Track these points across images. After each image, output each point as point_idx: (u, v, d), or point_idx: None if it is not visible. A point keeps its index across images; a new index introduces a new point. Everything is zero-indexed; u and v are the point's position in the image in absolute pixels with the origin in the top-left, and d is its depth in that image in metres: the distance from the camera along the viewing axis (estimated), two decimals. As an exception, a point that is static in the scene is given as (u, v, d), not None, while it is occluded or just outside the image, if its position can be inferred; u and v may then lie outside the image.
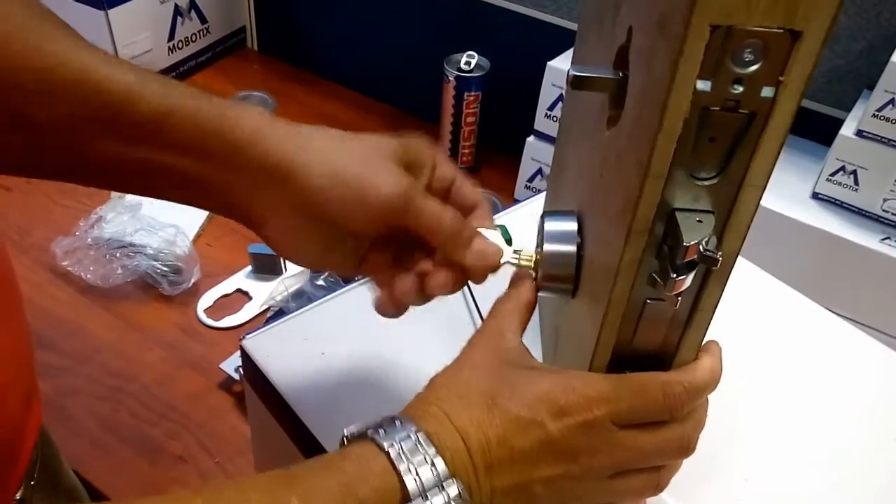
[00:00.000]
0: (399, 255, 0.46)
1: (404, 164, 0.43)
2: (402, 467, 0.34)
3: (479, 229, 0.46)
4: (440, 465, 0.35)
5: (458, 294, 0.59)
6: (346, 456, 0.36)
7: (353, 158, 0.42)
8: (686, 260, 0.33)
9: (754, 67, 0.29)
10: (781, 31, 0.28)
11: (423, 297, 0.46)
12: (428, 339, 0.57)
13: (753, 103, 0.30)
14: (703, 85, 0.29)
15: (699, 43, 0.28)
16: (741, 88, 0.29)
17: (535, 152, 1.06)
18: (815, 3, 0.27)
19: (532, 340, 0.57)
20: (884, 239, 0.82)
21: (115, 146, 0.40)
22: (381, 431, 0.36)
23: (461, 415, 0.37)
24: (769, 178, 0.32)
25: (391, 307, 0.47)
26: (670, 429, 0.39)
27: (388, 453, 0.35)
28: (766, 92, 0.29)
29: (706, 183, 0.33)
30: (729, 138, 0.31)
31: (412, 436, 0.35)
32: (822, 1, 0.27)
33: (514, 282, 0.45)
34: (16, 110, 0.38)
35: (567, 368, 0.40)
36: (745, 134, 0.31)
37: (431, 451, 0.35)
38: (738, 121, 0.31)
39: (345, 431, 0.38)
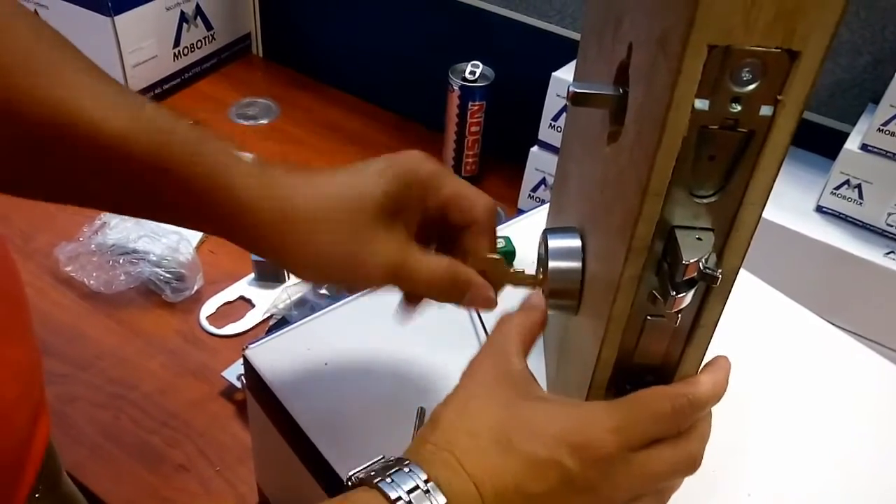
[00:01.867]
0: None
1: (393, 208, 0.43)
2: None
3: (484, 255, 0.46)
4: None
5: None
6: None
7: (340, 235, 0.42)
8: (686, 278, 0.33)
9: (752, 86, 0.29)
10: (779, 50, 0.28)
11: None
12: (431, 349, 0.57)
13: (752, 122, 0.30)
14: (701, 104, 0.29)
15: (697, 62, 0.28)
16: (740, 107, 0.29)
17: (539, 162, 1.06)
18: (813, 24, 0.27)
19: (535, 355, 0.57)
20: (888, 253, 0.81)
21: (111, 194, 0.41)
22: (389, 480, 0.34)
23: (474, 459, 0.35)
24: (769, 195, 0.32)
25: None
26: (679, 448, 0.38)
27: None
28: (765, 111, 0.30)
29: (706, 201, 0.33)
30: (728, 156, 0.31)
31: (422, 486, 0.34)
32: (820, 21, 0.27)
33: (525, 305, 0.44)
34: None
35: (574, 400, 0.39)
36: (744, 152, 0.31)
37: (442, 501, 0.34)
38: (736, 139, 0.31)
39: (350, 474, 0.37)
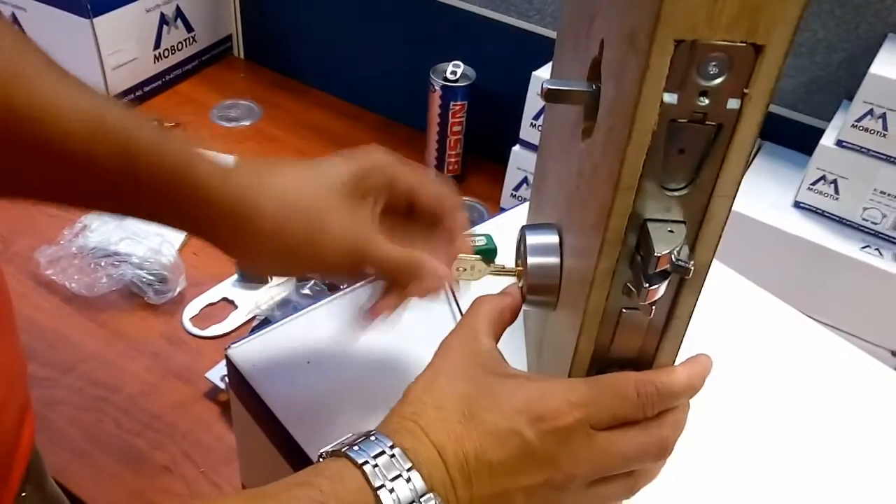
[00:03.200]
0: None
1: (358, 190, 0.45)
2: (377, 483, 0.34)
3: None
4: (417, 480, 0.34)
5: (444, 302, 0.60)
6: (320, 472, 0.35)
7: (303, 216, 0.43)
8: (658, 270, 0.34)
9: (719, 80, 0.29)
10: (744, 44, 0.28)
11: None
12: (413, 347, 0.57)
13: (720, 115, 0.30)
14: (670, 98, 0.30)
15: (664, 57, 0.28)
16: (707, 101, 0.30)
17: (521, 161, 1.06)
18: (776, 18, 0.27)
19: (518, 353, 0.57)
20: (864, 247, 0.83)
21: (79, 196, 0.42)
22: (356, 448, 0.35)
23: (438, 428, 0.37)
24: (738, 187, 0.33)
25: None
26: (648, 432, 0.39)
27: (363, 470, 0.34)
28: (732, 104, 0.30)
29: (677, 194, 0.33)
30: (697, 150, 0.32)
31: (388, 451, 0.35)
32: (783, 15, 0.27)
33: (501, 292, 0.45)
34: None
35: (543, 375, 0.40)
36: (712, 145, 0.32)
37: (407, 466, 0.35)
38: (705, 132, 0.31)
39: (321, 451, 0.37)
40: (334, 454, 0.36)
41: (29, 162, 0.40)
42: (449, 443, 0.36)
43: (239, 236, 0.44)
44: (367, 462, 0.34)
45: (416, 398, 0.39)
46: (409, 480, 0.34)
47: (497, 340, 0.42)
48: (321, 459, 0.37)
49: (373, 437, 0.36)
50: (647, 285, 0.34)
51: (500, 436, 0.36)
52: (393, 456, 0.35)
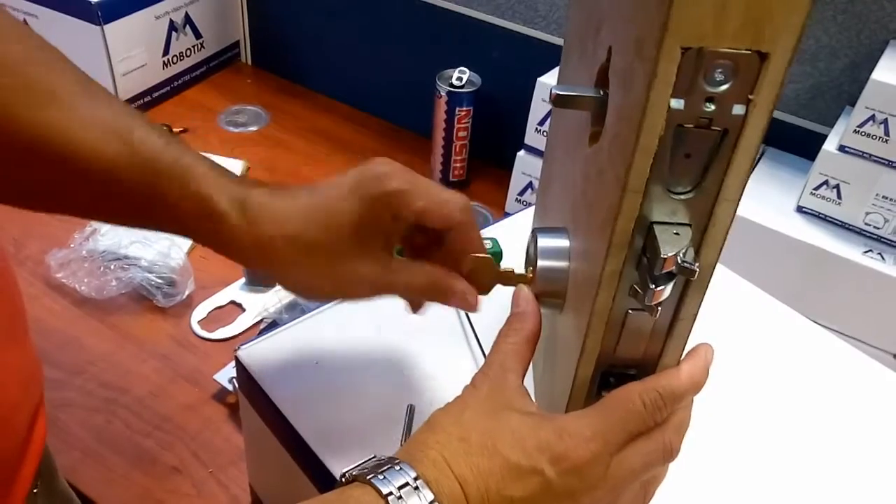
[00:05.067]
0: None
1: (368, 228, 0.46)
2: None
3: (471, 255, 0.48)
4: None
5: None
6: (345, 500, 0.36)
7: (319, 260, 0.46)
8: (664, 271, 0.35)
9: (725, 87, 0.30)
10: (750, 52, 0.29)
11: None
12: (421, 348, 0.58)
13: (725, 121, 0.31)
14: (676, 103, 0.31)
15: (671, 64, 0.29)
16: (713, 107, 0.31)
17: (526, 166, 1.07)
18: (780, 26, 0.28)
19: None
20: (866, 252, 0.83)
21: (98, 211, 0.45)
22: (381, 476, 0.36)
23: (461, 461, 0.37)
24: (743, 191, 0.34)
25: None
26: (653, 440, 0.39)
27: (386, 500, 0.35)
28: (738, 110, 0.31)
29: (682, 197, 0.34)
30: (703, 154, 0.33)
31: (411, 483, 0.35)
32: (787, 24, 0.28)
33: (518, 314, 0.45)
34: None
35: (558, 414, 0.40)
36: (718, 150, 0.32)
37: (430, 498, 0.35)
38: (711, 137, 0.32)
39: (343, 471, 0.38)
40: (357, 479, 0.37)
41: (56, 178, 0.42)
42: (471, 476, 0.37)
43: (263, 268, 0.47)
44: (391, 493, 0.35)
45: (441, 428, 0.39)
46: None
47: (523, 377, 0.43)
48: (343, 480, 0.38)
49: (397, 467, 0.36)
50: (654, 286, 0.35)
51: (521, 473, 0.37)
52: (417, 488, 0.35)
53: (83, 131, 0.40)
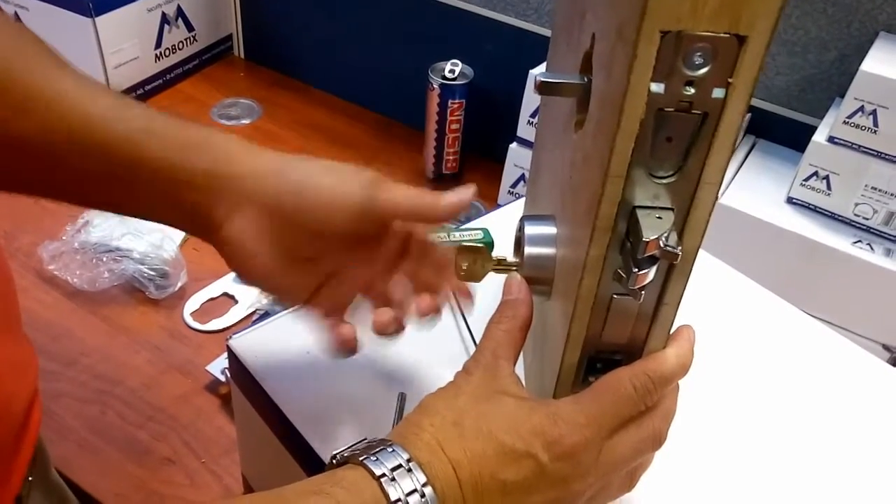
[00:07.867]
0: (346, 297, 0.50)
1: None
2: (394, 497, 0.34)
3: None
4: (430, 494, 0.35)
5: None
6: (338, 482, 0.35)
7: (323, 168, 0.46)
8: (647, 255, 0.35)
9: (704, 70, 0.30)
10: (728, 35, 0.29)
11: (400, 327, 0.52)
12: (412, 337, 0.58)
13: (705, 104, 0.32)
14: (657, 87, 0.31)
15: (651, 47, 0.29)
16: (693, 90, 0.31)
17: (518, 158, 1.07)
18: (758, 10, 0.28)
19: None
20: (855, 242, 0.84)
21: (87, 163, 0.43)
22: (373, 458, 0.36)
23: (455, 445, 0.37)
24: (724, 174, 0.34)
25: (338, 347, 0.52)
26: (642, 427, 0.40)
27: (380, 482, 0.35)
28: (717, 93, 0.31)
29: (665, 181, 0.35)
30: (684, 138, 0.33)
31: (404, 465, 0.35)
32: (764, 8, 0.28)
33: (510, 302, 0.45)
34: None
35: (551, 400, 0.40)
36: (699, 133, 0.33)
37: (422, 480, 0.35)
38: (691, 121, 0.32)
39: (334, 453, 0.38)
40: (349, 461, 0.37)
41: (71, 165, 0.42)
42: (465, 459, 0.37)
43: (251, 198, 0.45)
44: (384, 475, 0.35)
45: (435, 412, 0.39)
46: (423, 496, 0.35)
47: (515, 363, 0.43)
48: (334, 462, 0.38)
49: (390, 449, 0.36)
50: (637, 270, 0.35)
51: (515, 457, 0.37)
52: (410, 470, 0.35)
53: (100, 110, 0.42)
